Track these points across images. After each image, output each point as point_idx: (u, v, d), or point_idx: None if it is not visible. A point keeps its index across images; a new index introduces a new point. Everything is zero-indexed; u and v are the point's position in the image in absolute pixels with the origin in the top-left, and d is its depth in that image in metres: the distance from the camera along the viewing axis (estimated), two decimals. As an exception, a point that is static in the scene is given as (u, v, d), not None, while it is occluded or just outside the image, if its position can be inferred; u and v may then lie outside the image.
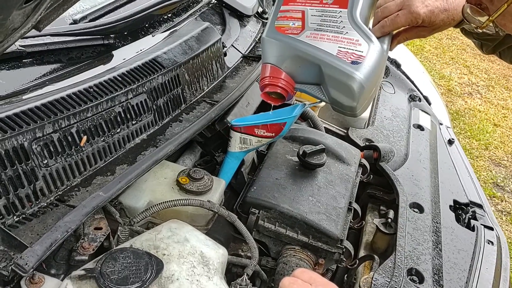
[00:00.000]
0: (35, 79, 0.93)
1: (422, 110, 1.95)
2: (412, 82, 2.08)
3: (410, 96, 2.02)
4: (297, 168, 1.23)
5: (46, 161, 0.82)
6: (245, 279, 0.89)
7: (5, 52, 0.86)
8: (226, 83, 1.29)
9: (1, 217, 0.75)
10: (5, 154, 0.76)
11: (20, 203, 0.78)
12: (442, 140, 1.87)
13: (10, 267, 0.68)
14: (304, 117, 1.49)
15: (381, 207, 1.46)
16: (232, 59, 1.39)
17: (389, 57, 2.10)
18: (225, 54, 1.35)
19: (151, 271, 0.79)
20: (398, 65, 2.10)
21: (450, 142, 1.89)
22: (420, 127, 1.81)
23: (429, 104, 2.05)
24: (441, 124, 1.99)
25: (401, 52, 2.27)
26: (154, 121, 1.04)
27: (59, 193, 0.85)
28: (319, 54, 0.88)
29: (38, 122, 0.81)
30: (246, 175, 1.24)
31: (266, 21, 1.72)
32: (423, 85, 2.19)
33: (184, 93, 1.13)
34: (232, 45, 1.43)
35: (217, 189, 1.04)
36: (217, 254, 0.90)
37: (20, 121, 0.79)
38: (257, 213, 1.10)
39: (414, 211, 1.36)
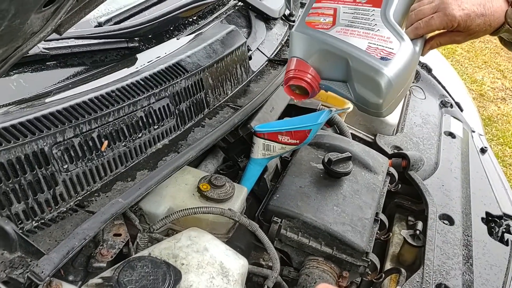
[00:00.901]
0: (58, 82, 0.93)
1: (454, 117, 1.87)
2: (444, 87, 2.01)
3: (441, 102, 1.95)
4: (321, 176, 1.19)
5: (66, 166, 0.81)
6: (265, 292, 0.86)
7: (28, 54, 0.85)
8: (251, 87, 1.26)
9: (19, 222, 0.75)
10: (25, 158, 0.75)
11: (39, 208, 0.78)
12: (474, 148, 1.79)
13: (26, 275, 0.67)
14: (330, 123, 1.45)
15: (409, 218, 1.41)
16: (257, 62, 1.36)
17: (420, 61, 2.04)
18: (250, 58, 1.32)
19: (168, 282, 0.77)
20: (429, 70, 2.03)
21: (483, 150, 1.81)
22: (451, 135, 1.74)
23: (461, 110, 1.97)
24: (473, 131, 1.91)
25: (432, 56, 2.19)
26: (176, 126, 1.02)
27: (78, 198, 0.84)
28: (347, 48, 0.86)
29: (59, 126, 0.80)
30: (269, 182, 1.21)
31: (293, 23, 1.69)
32: (455, 90, 2.11)
33: (207, 98, 1.11)
34: (257, 48, 1.40)
35: (238, 196, 1.02)
36: (237, 265, 0.87)
37: (40, 125, 0.78)
38: (280, 222, 1.07)
39: (444, 223, 1.30)
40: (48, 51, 0.91)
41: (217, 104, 1.15)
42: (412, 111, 1.79)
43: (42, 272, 0.66)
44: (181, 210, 0.91)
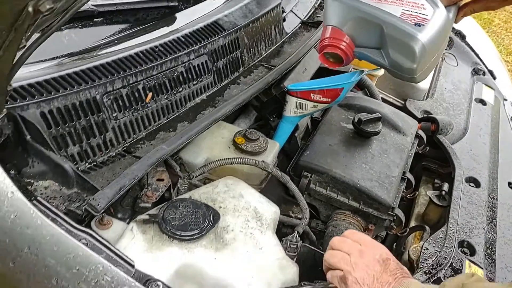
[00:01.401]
0: (105, 38, 0.99)
1: (486, 85, 1.86)
2: (477, 54, 1.98)
3: (473, 69, 1.93)
4: (351, 135, 1.23)
5: (115, 114, 0.88)
6: (296, 236, 0.92)
7: (78, 10, 0.91)
8: (284, 48, 1.30)
9: (75, 162, 0.82)
10: (79, 105, 0.82)
11: (92, 151, 0.85)
12: (505, 116, 1.79)
13: (83, 207, 0.75)
14: (361, 86, 1.47)
15: (436, 180, 1.44)
16: (290, 24, 1.39)
17: (453, 28, 2.01)
18: (284, 20, 1.35)
19: (208, 221, 0.84)
20: (463, 37, 2.00)
21: (515, 118, 1.80)
22: (482, 102, 1.74)
23: (494, 78, 1.95)
24: (505, 99, 1.90)
25: (468, 24, 2.16)
26: (213, 82, 1.08)
27: (126, 145, 0.91)
28: (382, 15, 0.89)
29: (109, 77, 0.86)
30: (299, 140, 1.26)
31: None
32: (489, 59, 2.08)
33: (243, 57, 1.16)
34: (291, 10, 1.43)
35: (271, 150, 1.07)
36: (270, 211, 0.93)
37: (93, 75, 0.84)
38: (309, 177, 1.12)
39: (470, 185, 1.32)
40: (96, 8, 0.97)
41: (252, 64, 1.20)
42: (444, 77, 1.79)
43: (98, 205, 0.74)
44: (218, 159, 0.98)
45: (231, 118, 1.24)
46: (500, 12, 5.45)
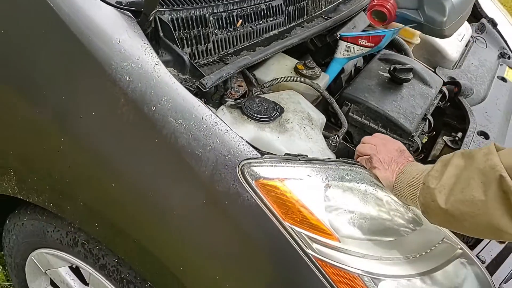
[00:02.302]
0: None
1: (510, 66, 2.11)
2: (505, 41, 2.23)
3: (500, 53, 2.18)
4: (386, 81, 1.53)
5: (216, 30, 1.21)
6: (336, 137, 1.23)
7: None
8: (340, 7, 1.60)
9: (186, 59, 1.15)
10: (195, 18, 1.15)
11: (197, 54, 1.18)
12: (523, 96, 2.03)
13: (195, 85, 1.08)
14: (399, 49, 1.76)
15: (452, 133, 1.72)
16: (345, -10, 1.69)
17: (487, 16, 2.26)
18: (340, -15, 1.65)
19: (275, 111, 1.16)
20: (494, 24, 2.25)
21: (532, 99, 2.04)
22: (503, 79, 1.99)
23: (519, 63, 2.19)
24: (526, 83, 2.14)
25: (502, 15, 2.39)
26: (284, 22, 1.40)
27: (219, 55, 1.24)
28: None
29: (216, 2, 1.19)
30: (343, 81, 1.57)
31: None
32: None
33: (308, 7, 1.47)
34: (347, -21, 1.73)
35: (323, 79, 1.39)
36: (319, 117, 1.25)
37: (204, -1, 1.18)
38: (350, 106, 1.42)
39: (480, 137, 1.60)
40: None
41: (314, 14, 1.51)
42: (472, 55, 2.05)
43: (206, 83, 1.06)
44: (284, 76, 1.30)
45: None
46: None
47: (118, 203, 1.03)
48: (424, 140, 1.57)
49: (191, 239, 0.97)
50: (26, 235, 1.34)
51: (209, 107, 0.99)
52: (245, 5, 1.26)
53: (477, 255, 1.16)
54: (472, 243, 1.21)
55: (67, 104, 1.00)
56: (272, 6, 1.34)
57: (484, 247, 1.22)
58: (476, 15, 2.26)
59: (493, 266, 1.22)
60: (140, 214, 1.00)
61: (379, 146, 1.10)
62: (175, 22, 1.12)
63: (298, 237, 0.92)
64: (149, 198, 0.97)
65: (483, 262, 1.18)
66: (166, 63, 1.08)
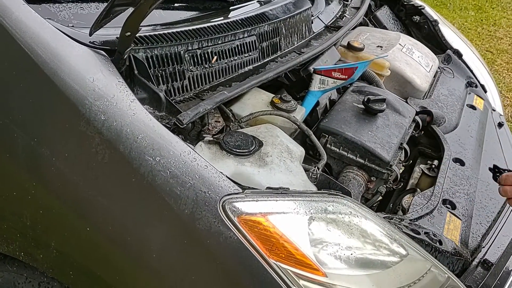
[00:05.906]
0: (185, 16, 1.33)
1: (477, 95, 2.18)
2: (471, 71, 2.31)
3: (467, 82, 2.26)
4: (361, 112, 1.55)
5: (191, 67, 1.21)
6: (316, 168, 1.22)
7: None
8: (311, 42, 1.64)
9: (163, 96, 1.14)
10: (169, 55, 1.15)
11: (173, 91, 1.17)
12: (492, 122, 2.09)
13: (172, 122, 1.06)
14: (370, 81, 1.80)
15: (428, 161, 1.74)
16: (316, 26, 1.73)
17: (452, 47, 2.35)
18: (312, 22, 1.70)
19: (254, 145, 1.15)
20: (460, 55, 2.34)
21: (500, 124, 2.11)
22: (472, 107, 2.05)
23: (485, 91, 2.27)
24: (493, 110, 2.21)
25: (465, 47, 2.49)
26: (258, 58, 1.41)
27: (195, 92, 1.23)
28: None
29: (190, 39, 1.19)
30: (319, 114, 1.58)
31: (347, 2, 2.04)
32: (482, 77, 2.41)
33: (281, 43, 1.50)
34: (317, 16, 1.78)
35: (299, 112, 1.39)
36: (298, 149, 1.25)
37: (180, 37, 1.18)
38: (327, 137, 1.43)
39: (456, 163, 1.63)
40: (178, -6, 1.32)
41: (287, 50, 1.54)
42: (441, 84, 2.11)
43: (183, 119, 1.05)
44: (261, 110, 1.30)
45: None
46: (501, 54, 5.81)
47: (93, 249, 0.98)
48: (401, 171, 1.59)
49: (172, 283, 0.93)
50: (-6, 288, 1.26)
51: (187, 143, 0.97)
52: (219, 42, 1.27)
53: (465, 284, 1.15)
54: (458, 271, 1.20)
55: (39, 146, 0.97)
56: (246, 42, 1.36)
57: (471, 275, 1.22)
58: (442, 47, 2.34)
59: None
60: (118, 259, 0.96)
61: None
62: (150, 59, 1.11)
63: (284, 274, 0.89)
64: (127, 241, 0.93)
65: (470, 289, 1.17)
66: (142, 101, 1.06)
